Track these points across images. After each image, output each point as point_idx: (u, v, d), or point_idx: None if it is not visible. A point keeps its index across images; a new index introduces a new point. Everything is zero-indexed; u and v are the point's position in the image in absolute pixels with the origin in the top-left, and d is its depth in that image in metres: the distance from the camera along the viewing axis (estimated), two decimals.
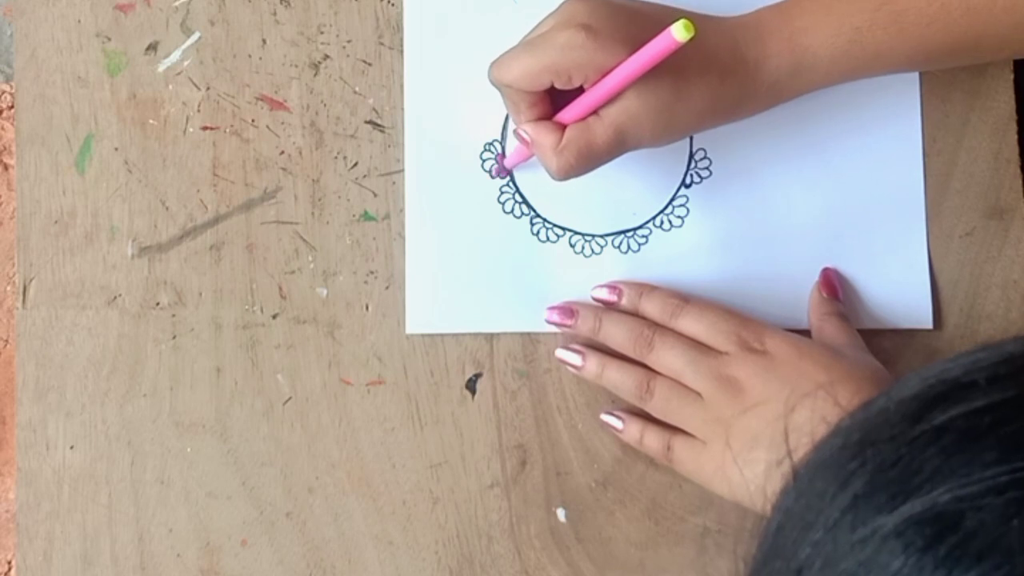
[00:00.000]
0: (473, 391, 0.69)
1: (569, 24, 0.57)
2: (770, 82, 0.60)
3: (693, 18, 0.54)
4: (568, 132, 0.59)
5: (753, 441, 0.61)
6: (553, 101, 0.61)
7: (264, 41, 0.71)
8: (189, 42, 0.71)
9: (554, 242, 0.70)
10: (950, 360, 0.37)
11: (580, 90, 0.59)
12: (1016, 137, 0.71)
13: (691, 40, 0.53)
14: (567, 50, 0.57)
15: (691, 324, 0.66)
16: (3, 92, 0.73)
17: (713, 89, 0.59)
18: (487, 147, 0.70)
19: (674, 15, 0.57)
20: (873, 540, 0.34)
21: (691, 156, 0.70)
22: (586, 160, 0.59)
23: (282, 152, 0.70)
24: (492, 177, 0.70)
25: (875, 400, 0.38)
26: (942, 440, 0.34)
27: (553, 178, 0.61)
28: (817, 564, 0.35)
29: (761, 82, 0.60)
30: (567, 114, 0.60)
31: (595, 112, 0.59)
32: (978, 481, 0.32)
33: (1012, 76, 0.71)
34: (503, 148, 0.70)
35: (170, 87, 0.70)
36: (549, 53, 0.58)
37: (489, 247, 0.70)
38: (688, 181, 0.70)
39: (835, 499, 0.35)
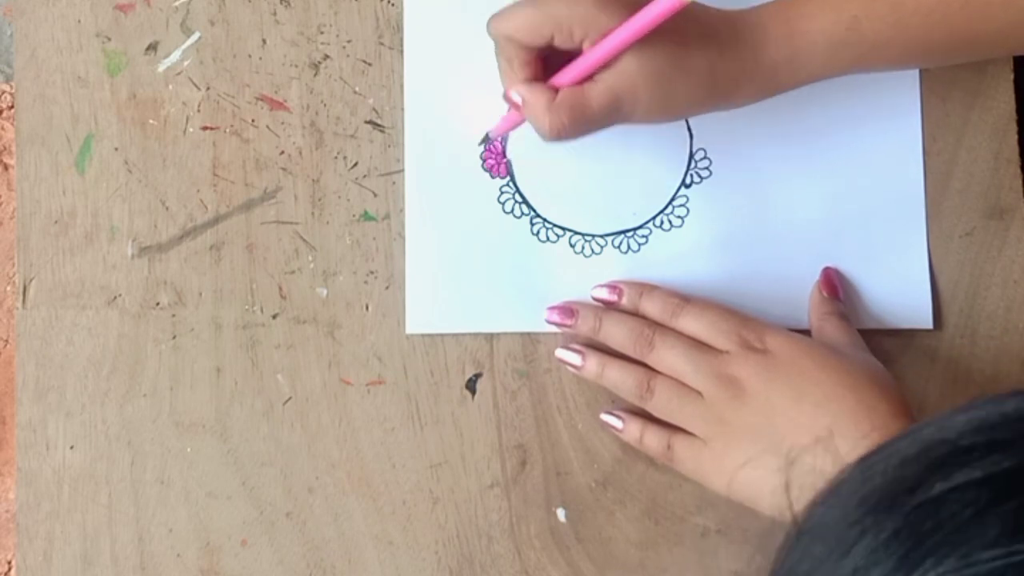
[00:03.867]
0: (473, 391, 0.69)
1: None
2: (768, 65, 0.60)
3: None
4: (562, 93, 0.58)
5: (754, 440, 0.62)
6: (546, 68, 0.60)
7: (264, 41, 0.71)
8: (189, 42, 0.71)
9: (554, 242, 0.70)
10: (952, 414, 0.36)
11: (574, 57, 0.58)
12: (1016, 137, 0.71)
13: (692, 2, 0.53)
14: (571, 4, 0.57)
15: (691, 323, 0.65)
16: (3, 92, 0.73)
17: (712, 65, 0.59)
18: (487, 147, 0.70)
19: None
20: None
21: (691, 156, 0.70)
22: (579, 122, 0.58)
23: (282, 152, 0.70)
24: (492, 178, 0.70)
25: (874, 457, 0.37)
26: (940, 513, 0.33)
27: (544, 139, 0.59)
28: None
29: (759, 64, 0.60)
30: (562, 78, 0.59)
31: (591, 77, 0.58)
32: (975, 563, 0.32)
33: (1012, 76, 0.71)
34: (502, 147, 0.70)
35: (170, 87, 0.70)
36: (552, 5, 0.57)
37: (489, 247, 0.70)
38: (688, 181, 0.70)
39: (836, 569, 0.35)
